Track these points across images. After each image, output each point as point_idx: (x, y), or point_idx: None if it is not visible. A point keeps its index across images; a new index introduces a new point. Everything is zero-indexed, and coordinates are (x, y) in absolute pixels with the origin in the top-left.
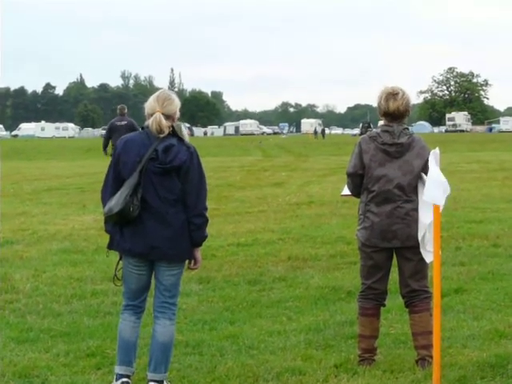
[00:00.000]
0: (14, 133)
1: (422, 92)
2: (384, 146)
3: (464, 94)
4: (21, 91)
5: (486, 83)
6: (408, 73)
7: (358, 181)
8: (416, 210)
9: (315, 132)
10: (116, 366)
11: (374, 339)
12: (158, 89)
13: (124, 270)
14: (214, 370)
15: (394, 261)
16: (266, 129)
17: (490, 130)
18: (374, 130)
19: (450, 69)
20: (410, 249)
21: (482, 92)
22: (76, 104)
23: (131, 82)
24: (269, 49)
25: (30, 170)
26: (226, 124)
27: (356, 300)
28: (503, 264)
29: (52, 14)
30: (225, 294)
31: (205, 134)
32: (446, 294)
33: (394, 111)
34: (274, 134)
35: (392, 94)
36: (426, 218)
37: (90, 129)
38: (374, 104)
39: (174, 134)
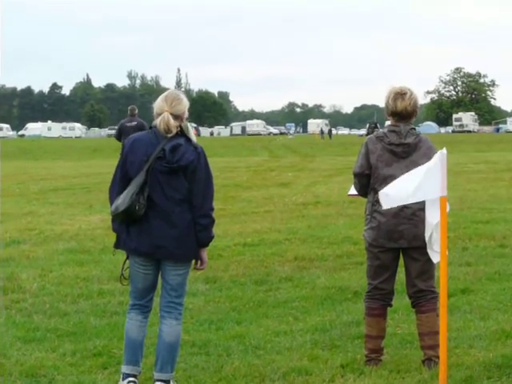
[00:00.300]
0: (20, 133)
1: (428, 92)
2: (391, 146)
3: (471, 95)
4: (27, 91)
5: (493, 83)
6: (415, 73)
7: (365, 181)
8: (423, 210)
9: (321, 132)
10: (123, 365)
11: (380, 339)
12: (164, 89)
13: (131, 269)
14: (220, 370)
15: (401, 261)
16: (272, 129)
17: (497, 130)
18: (381, 130)
19: (457, 69)
20: (416, 249)
21: (489, 92)
22: (83, 104)
23: (138, 81)
24: (276, 49)
25: (36, 170)
26: (233, 124)
27: (362, 300)
28: (510, 264)
29: (58, 15)
30: (231, 294)
31: (211, 134)
32: (453, 294)
33: (402, 111)
34: (281, 134)
35: (400, 94)
36: (432, 218)
37: (96, 129)
38: (381, 104)
39: (182, 133)
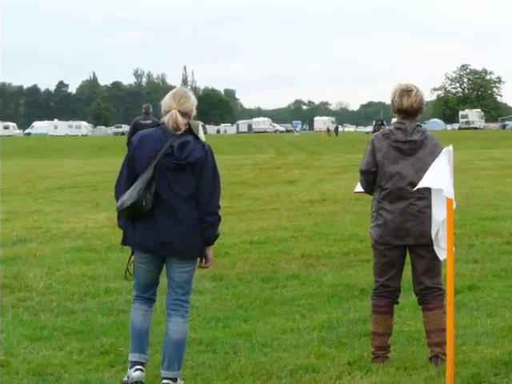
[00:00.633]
0: (27, 131)
1: (435, 89)
2: (397, 143)
3: (477, 92)
4: (34, 89)
5: (500, 80)
6: (421, 70)
7: (371, 178)
8: (429, 207)
9: (328, 130)
10: (130, 353)
11: (387, 337)
12: (170, 87)
13: (135, 264)
14: (227, 368)
15: (407, 258)
16: (278, 126)
17: (504, 127)
18: (387, 127)
19: (463, 66)
20: (423, 246)
21: (495, 89)
22: (89, 102)
23: (144, 80)
24: (282, 47)
25: (42, 169)
26: (239, 122)
27: (369, 297)
28: None
29: (64, 14)
30: (238, 292)
31: (218, 131)
32: (460, 291)
33: (408, 108)
34: (287, 131)
35: (406, 91)
36: (439, 215)
37: (103, 127)
38: (388, 101)
39: (190, 131)
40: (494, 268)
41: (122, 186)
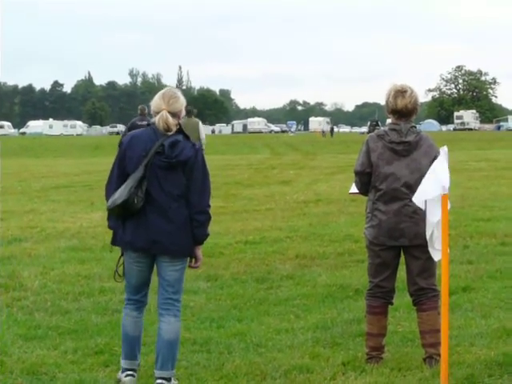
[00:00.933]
0: (21, 130)
1: (430, 90)
2: (391, 144)
3: (472, 93)
4: (29, 89)
5: (495, 81)
6: (416, 71)
7: (366, 179)
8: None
9: (323, 132)
10: (121, 359)
11: (381, 337)
12: (165, 86)
13: (125, 264)
14: (221, 368)
15: (402, 259)
16: (273, 127)
17: (499, 128)
18: (382, 128)
19: (458, 67)
20: (417, 247)
21: (490, 90)
22: (84, 102)
23: (139, 79)
24: (277, 47)
25: (37, 168)
26: (234, 122)
27: (364, 298)
28: (511, 262)
29: (59, 13)
30: (232, 292)
31: (213, 132)
32: (454, 292)
33: (402, 109)
34: (282, 132)
35: (400, 92)
36: (433, 216)
37: (98, 126)
38: (383, 102)
39: (180, 130)
40: (488, 269)
41: (113, 185)
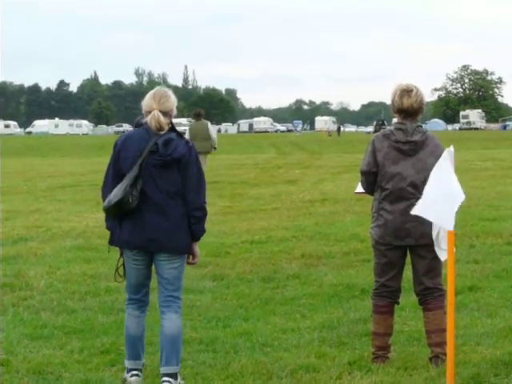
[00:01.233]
0: (27, 130)
1: (436, 89)
2: (397, 143)
3: (478, 92)
4: (35, 88)
5: (501, 81)
6: (422, 70)
7: (372, 179)
8: None
9: (329, 132)
10: (125, 360)
11: (387, 337)
12: (171, 86)
13: (125, 264)
14: (227, 367)
15: (408, 258)
16: (279, 126)
17: (504, 127)
18: (388, 127)
19: (464, 66)
20: (423, 247)
21: (496, 90)
22: (90, 101)
23: (145, 79)
24: (283, 46)
25: (43, 167)
26: (240, 121)
27: (370, 298)
28: None
29: (65, 13)
30: (239, 292)
31: (219, 131)
32: (460, 291)
33: (408, 108)
34: (288, 131)
35: (406, 91)
36: None
37: (104, 126)
38: (389, 101)
39: (173, 129)
40: (494, 268)
41: (109, 186)
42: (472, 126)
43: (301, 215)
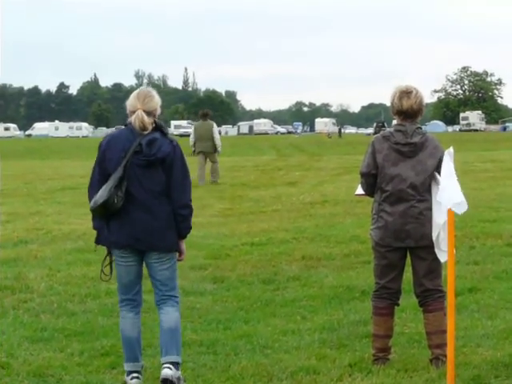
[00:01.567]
0: (27, 132)
1: (436, 91)
2: (397, 145)
3: (478, 93)
4: (34, 91)
5: (500, 82)
6: (422, 72)
7: (372, 180)
8: (430, 209)
9: (328, 134)
10: (124, 363)
11: (388, 338)
12: (171, 88)
13: (115, 265)
14: (228, 369)
15: (408, 260)
16: (279, 128)
17: (504, 129)
18: (388, 129)
19: (463, 68)
20: (423, 248)
21: (495, 91)
22: (90, 103)
23: (145, 81)
24: (283, 48)
25: (43, 170)
26: (240, 123)
27: (370, 299)
28: None
29: (65, 14)
30: (239, 294)
31: (219, 133)
32: (460, 293)
33: (408, 109)
34: (288, 133)
35: (405, 93)
36: (439, 217)
37: (104, 128)
38: (388, 103)
39: (157, 128)
40: (494, 270)
41: (95, 187)
42: (472, 128)
43: (301, 217)
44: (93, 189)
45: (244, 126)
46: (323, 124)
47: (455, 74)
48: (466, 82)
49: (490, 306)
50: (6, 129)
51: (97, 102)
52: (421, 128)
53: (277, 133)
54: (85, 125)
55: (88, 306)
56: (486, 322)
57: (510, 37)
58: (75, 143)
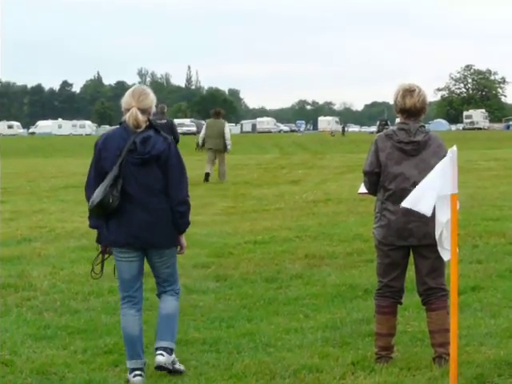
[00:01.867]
0: (31, 130)
1: (439, 89)
2: (400, 144)
3: (481, 92)
4: (38, 89)
5: (504, 81)
6: (425, 70)
7: (375, 179)
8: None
9: (331, 132)
10: (126, 360)
11: (390, 337)
12: (174, 86)
13: (115, 262)
14: (231, 368)
15: (411, 258)
16: (282, 126)
17: (508, 127)
18: (391, 127)
19: (467, 66)
20: (426, 247)
21: (499, 89)
22: (93, 101)
23: (148, 79)
24: (286, 47)
25: (47, 168)
26: (243, 122)
27: (373, 298)
28: None
29: (68, 12)
30: (242, 292)
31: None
32: (463, 291)
33: (411, 108)
34: (291, 131)
35: (408, 91)
36: (442, 216)
37: (107, 126)
38: (392, 101)
39: (151, 126)
40: (497, 268)
41: (91, 186)
42: (475, 126)
43: (304, 215)
44: (89, 188)
45: (247, 125)
46: (326, 122)
47: (459, 72)
48: (470, 80)
49: (493, 304)
50: (10, 127)
51: (100, 100)
52: (424, 126)
53: (280, 131)
54: (88, 123)
55: (91, 304)
56: (489, 321)
57: None
58: (78, 141)
